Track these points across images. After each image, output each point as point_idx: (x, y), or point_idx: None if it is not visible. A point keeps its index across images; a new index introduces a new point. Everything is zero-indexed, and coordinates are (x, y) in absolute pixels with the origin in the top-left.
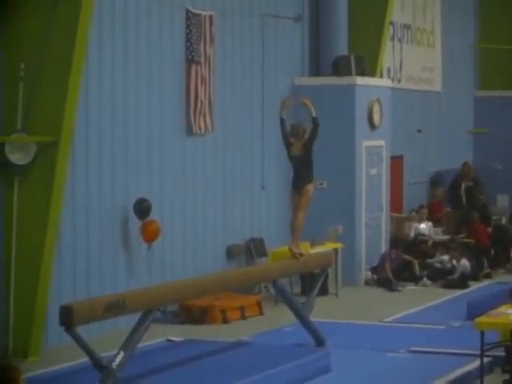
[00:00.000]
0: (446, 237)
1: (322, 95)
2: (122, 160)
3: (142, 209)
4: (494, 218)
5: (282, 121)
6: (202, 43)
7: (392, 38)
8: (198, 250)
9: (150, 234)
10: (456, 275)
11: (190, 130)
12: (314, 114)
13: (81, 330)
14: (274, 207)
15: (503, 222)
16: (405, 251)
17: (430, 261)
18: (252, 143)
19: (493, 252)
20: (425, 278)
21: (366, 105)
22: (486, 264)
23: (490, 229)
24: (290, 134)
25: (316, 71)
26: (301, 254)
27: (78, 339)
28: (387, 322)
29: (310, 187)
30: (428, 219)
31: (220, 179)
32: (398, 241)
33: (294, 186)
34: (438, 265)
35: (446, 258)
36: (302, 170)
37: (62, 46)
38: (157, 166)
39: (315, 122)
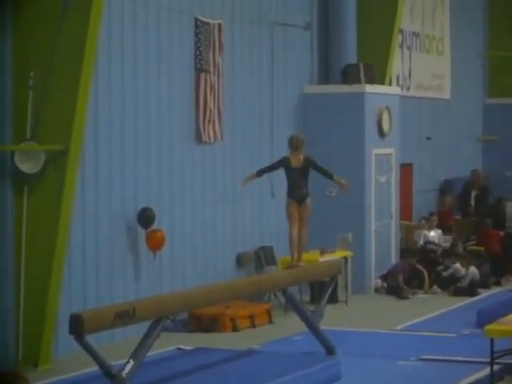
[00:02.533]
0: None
1: (331, 103)
2: (131, 168)
3: (146, 218)
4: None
5: (258, 174)
6: (211, 51)
7: (401, 46)
8: (207, 259)
9: (154, 243)
10: (465, 283)
11: (199, 139)
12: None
13: (91, 338)
14: (284, 215)
15: None
16: (417, 261)
17: (439, 268)
18: (261, 151)
19: (503, 259)
20: (435, 286)
21: (376, 113)
22: (496, 271)
23: (502, 233)
24: (289, 146)
25: (325, 79)
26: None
27: (87, 348)
28: (397, 330)
29: (309, 202)
30: (437, 227)
31: (229, 187)
32: (409, 251)
33: (295, 197)
34: (444, 273)
35: (457, 265)
36: (302, 182)
37: (71, 55)
38: (166, 174)
39: (329, 177)
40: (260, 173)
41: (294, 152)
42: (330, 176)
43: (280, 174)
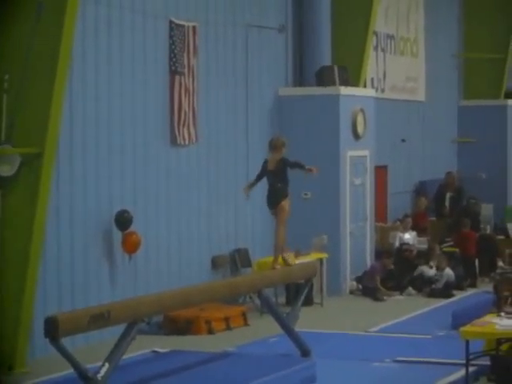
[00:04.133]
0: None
1: (305, 105)
2: (106, 171)
3: (123, 220)
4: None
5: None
6: (185, 54)
7: (375, 48)
8: (182, 261)
9: (130, 246)
10: (440, 285)
11: (174, 141)
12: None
13: (66, 341)
14: (259, 218)
15: (488, 231)
16: (392, 262)
17: (415, 274)
18: (236, 153)
19: (477, 261)
20: (410, 288)
21: (350, 115)
22: (472, 273)
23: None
24: (269, 147)
25: (300, 81)
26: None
27: (63, 351)
28: (372, 332)
29: (285, 203)
30: (412, 229)
31: (204, 190)
32: (385, 252)
33: (269, 204)
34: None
35: (424, 267)
36: (276, 185)
37: (46, 58)
38: (141, 176)
39: (301, 167)
40: (255, 181)
41: (272, 153)
42: (302, 167)
43: (255, 177)
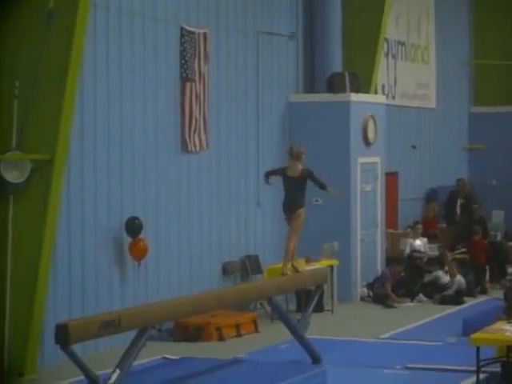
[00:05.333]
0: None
1: (316, 112)
2: (117, 177)
3: (133, 227)
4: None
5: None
6: (196, 61)
7: (386, 55)
8: (193, 268)
9: (137, 253)
10: (451, 291)
11: (184, 148)
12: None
13: (77, 347)
14: (270, 224)
15: (498, 237)
16: (403, 269)
17: (429, 279)
18: (247, 160)
19: (488, 268)
20: (420, 295)
21: (361, 121)
22: (483, 279)
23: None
24: (289, 154)
25: (310, 88)
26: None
27: (73, 357)
28: (383, 339)
29: (302, 212)
30: (423, 235)
31: (215, 196)
32: (395, 259)
33: (286, 209)
34: (425, 281)
35: (439, 272)
36: (295, 193)
37: (57, 64)
38: (152, 183)
39: (323, 187)
40: (267, 174)
41: (291, 161)
42: (324, 187)
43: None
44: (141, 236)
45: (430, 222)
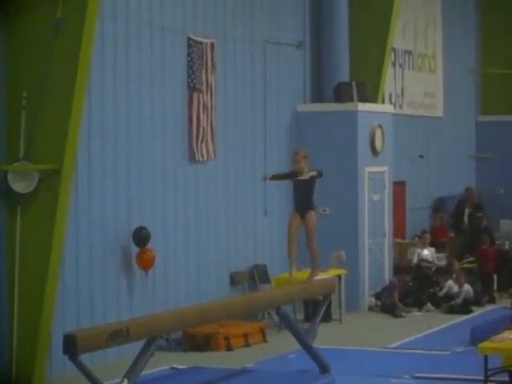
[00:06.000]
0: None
1: (324, 121)
2: (124, 187)
3: (141, 237)
4: (497, 242)
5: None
6: (203, 71)
7: (393, 64)
8: (201, 277)
9: (144, 263)
10: (459, 301)
11: (192, 158)
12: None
13: (85, 357)
14: (277, 233)
15: (506, 246)
16: (411, 278)
17: (434, 290)
18: (254, 169)
19: (496, 277)
20: (428, 304)
21: (368, 131)
22: (491, 289)
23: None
24: (292, 160)
25: (318, 98)
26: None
27: (81, 368)
28: (391, 348)
29: (314, 213)
30: (431, 245)
31: (222, 206)
32: (403, 268)
33: (299, 209)
34: (440, 293)
35: (450, 282)
36: (306, 194)
37: (64, 74)
38: (159, 193)
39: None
40: (274, 178)
41: (297, 165)
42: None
43: (273, 192)
44: (148, 246)
45: (438, 232)
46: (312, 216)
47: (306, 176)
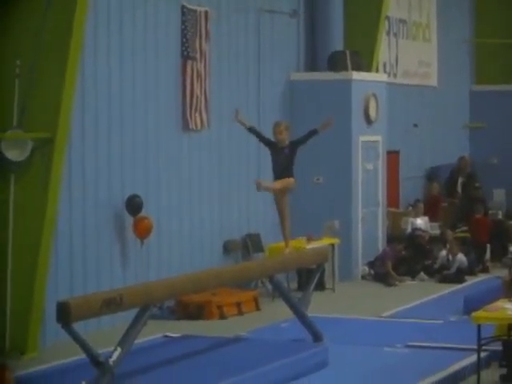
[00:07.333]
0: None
1: (317, 90)
2: (118, 156)
3: (134, 205)
4: (490, 212)
5: (250, 130)
6: (197, 39)
7: (388, 33)
8: (194, 246)
9: (141, 231)
10: (452, 270)
11: (186, 126)
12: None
13: (78, 326)
14: (271, 202)
15: (499, 216)
16: (404, 247)
17: (429, 262)
18: (248, 138)
19: (489, 246)
20: (422, 273)
21: (362, 100)
22: (484, 258)
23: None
24: (273, 132)
25: (312, 66)
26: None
27: (74, 336)
28: (384, 317)
29: (291, 180)
30: (424, 214)
31: (216, 175)
32: (396, 237)
33: (277, 175)
34: (436, 266)
35: (443, 253)
36: (286, 165)
37: (58, 43)
38: (153, 161)
39: (314, 132)
40: (251, 130)
41: (278, 135)
42: (315, 132)
43: (266, 161)
44: (144, 214)
45: (432, 201)
46: (290, 180)
47: (283, 144)
